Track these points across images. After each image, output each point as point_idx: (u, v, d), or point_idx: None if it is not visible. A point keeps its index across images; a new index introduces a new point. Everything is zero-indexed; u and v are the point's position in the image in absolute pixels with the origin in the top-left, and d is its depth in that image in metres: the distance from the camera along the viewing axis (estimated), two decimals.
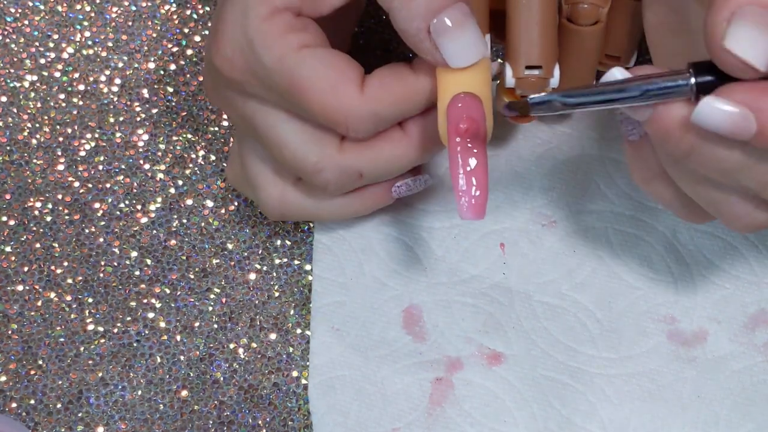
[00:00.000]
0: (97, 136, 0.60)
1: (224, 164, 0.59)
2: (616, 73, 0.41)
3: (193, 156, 0.59)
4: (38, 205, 0.58)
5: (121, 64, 0.61)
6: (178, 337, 0.56)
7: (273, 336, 0.56)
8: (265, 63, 0.47)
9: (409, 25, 0.45)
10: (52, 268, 0.57)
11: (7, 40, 0.61)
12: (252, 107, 0.49)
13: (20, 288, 0.57)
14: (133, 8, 0.62)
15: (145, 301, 0.57)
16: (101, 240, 0.58)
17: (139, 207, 0.58)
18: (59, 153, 0.59)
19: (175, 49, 0.61)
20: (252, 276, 0.57)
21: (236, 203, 0.58)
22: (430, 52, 0.45)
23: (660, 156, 0.44)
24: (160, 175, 0.59)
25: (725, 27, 0.38)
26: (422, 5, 0.45)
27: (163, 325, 0.56)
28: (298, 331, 0.56)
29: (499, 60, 0.50)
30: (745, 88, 0.39)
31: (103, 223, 0.58)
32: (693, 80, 0.40)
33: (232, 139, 0.60)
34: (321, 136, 0.49)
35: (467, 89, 0.46)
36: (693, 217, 0.47)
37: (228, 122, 0.60)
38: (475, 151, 0.46)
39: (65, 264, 0.57)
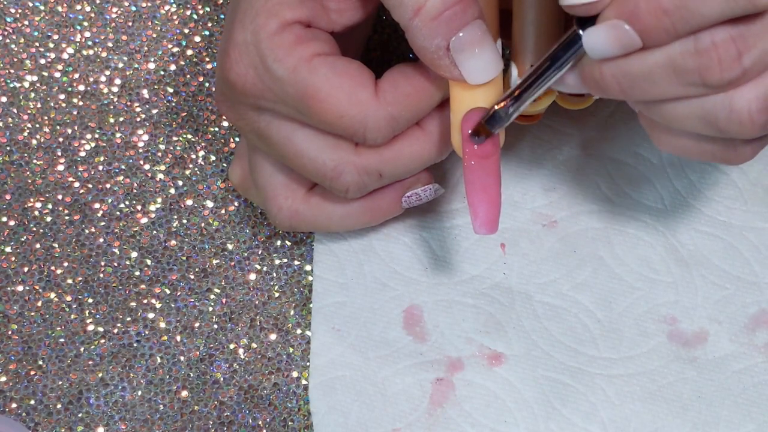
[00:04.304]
0: (97, 136, 0.60)
1: (225, 165, 0.59)
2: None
3: (193, 156, 0.59)
4: (38, 205, 0.58)
5: (121, 65, 0.61)
6: (178, 338, 0.56)
7: (273, 336, 0.56)
8: (279, 76, 0.47)
9: (430, 42, 0.45)
10: (52, 268, 0.57)
11: (7, 41, 0.61)
12: (266, 120, 0.49)
13: (20, 288, 0.57)
14: (133, 9, 0.62)
15: (145, 301, 0.56)
16: (101, 240, 0.58)
17: (139, 207, 0.58)
18: (59, 153, 0.59)
19: (175, 50, 0.61)
20: (252, 276, 0.57)
21: (236, 204, 0.58)
22: (448, 69, 0.46)
23: (643, 114, 0.45)
24: (160, 176, 0.59)
25: None
26: (444, 23, 0.45)
27: (163, 325, 0.56)
28: (299, 331, 0.56)
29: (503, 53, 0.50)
30: (608, 9, 0.41)
31: (103, 223, 0.58)
32: (580, 31, 0.42)
33: (232, 140, 0.60)
34: (336, 142, 0.49)
35: (481, 104, 0.46)
36: (729, 151, 0.46)
37: (228, 123, 0.60)
38: (489, 166, 0.47)
39: (65, 264, 0.57)
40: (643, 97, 0.43)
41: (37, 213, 0.58)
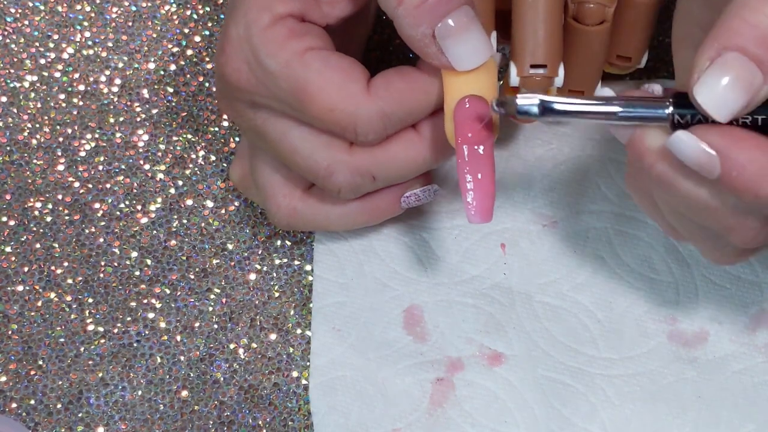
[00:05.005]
0: (97, 136, 0.60)
1: (225, 165, 0.59)
2: (606, 93, 0.43)
3: (193, 156, 0.59)
4: (38, 205, 0.58)
5: (121, 65, 0.61)
6: (179, 338, 0.56)
7: (273, 336, 0.56)
8: (271, 70, 0.47)
9: (415, 30, 0.45)
10: (52, 268, 0.57)
11: (7, 41, 0.61)
12: (262, 117, 0.49)
13: (20, 288, 0.57)
14: (133, 8, 0.62)
15: (145, 301, 0.56)
16: (101, 240, 0.58)
17: (139, 207, 0.58)
18: (59, 153, 0.59)
19: (175, 50, 0.61)
20: (252, 276, 0.57)
21: (236, 203, 0.58)
22: (435, 57, 0.45)
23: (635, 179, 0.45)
24: (160, 176, 0.59)
25: (704, 69, 0.39)
26: (427, 10, 0.45)
27: (163, 325, 0.56)
28: (299, 331, 0.56)
29: (503, 52, 0.50)
30: (719, 132, 0.40)
31: (103, 223, 0.58)
32: (670, 110, 0.41)
33: (232, 140, 0.60)
34: (331, 140, 0.49)
35: (473, 92, 0.46)
36: (676, 235, 0.47)
37: (228, 122, 0.60)
38: (482, 154, 0.46)
39: (65, 264, 0.57)
40: (672, 203, 0.43)
41: (37, 213, 0.58)
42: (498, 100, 0.44)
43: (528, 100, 0.43)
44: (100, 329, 0.56)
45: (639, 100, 0.42)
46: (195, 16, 0.62)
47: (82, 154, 0.59)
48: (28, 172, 0.59)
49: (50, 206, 0.58)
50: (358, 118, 0.47)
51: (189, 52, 0.61)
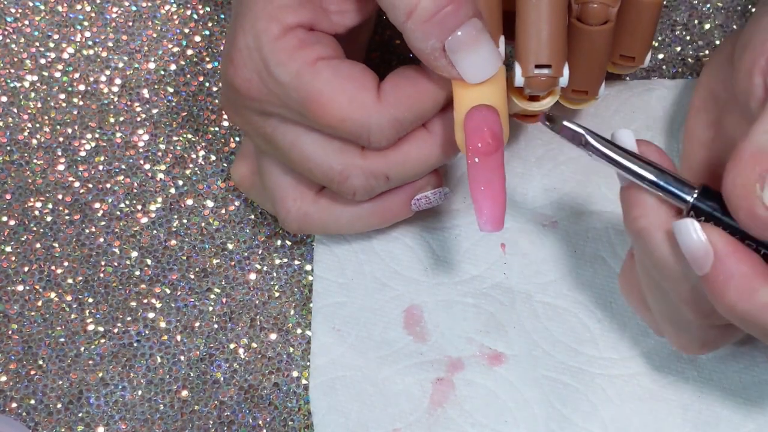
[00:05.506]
0: (97, 136, 0.60)
1: (225, 164, 0.59)
2: (624, 135, 0.44)
3: (194, 156, 0.59)
4: (38, 205, 0.58)
5: (121, 65, 0.61)
6: (179, 337, 0.56)
7: (273, 336, 0.56)
8: (282, 80, 0.47)
9: (425, 44, 0.45)
10: (53, 268, 0.57)
11: (8, 40, 0.61)
12: (272, 125, 0.49)
13: (20, 288, 0.57)
14: (134, 8, 0.62)
15: (145, 301, 0.56)
16: (101, 240, 0.58)
17: (139, 207, 0.58)
18: (59, 153, 0.59)
19: (175, 50, 0.61)
20: (252, 276, 0.57)
21: (236, 203, 0.58)
22: (446, 69, 0.46)
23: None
24: (161, 176, 0.59)
25: (758, 188, 0.40)
26: (437, 24, 0.44)
27: (163, 325, 0.56)
28: (299, 331, 0.56)
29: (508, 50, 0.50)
30: (724, 236, 0.42)
31: (103, 223, 0.58)
32: (693, 197, 0.43)
33: (232, 140, 0.60)
34: (342, 145, 0.49)
35: (483, 101, 0.46)
36: (658, 330, 0.50)
37: (228, 123, 0.60)
38: (493, 164, 0.46)
39: (65, 264, 0.57)
40: (643, 258, 0.45)
41: (37, 213, 0.58)
42: (548, 115, 0.45)
43: (572, 129, 0.45)
44: (100, 329, 0.56)
45: (672, 177, 0.43)
46: (195, 16, 0.62)
47: (83, 154, 0.59)
48: (28, 172, 0.59)
49: (50, 206, 0.58)
50: (370, 127, 0.47)
51: (189, 52, 0.61)
